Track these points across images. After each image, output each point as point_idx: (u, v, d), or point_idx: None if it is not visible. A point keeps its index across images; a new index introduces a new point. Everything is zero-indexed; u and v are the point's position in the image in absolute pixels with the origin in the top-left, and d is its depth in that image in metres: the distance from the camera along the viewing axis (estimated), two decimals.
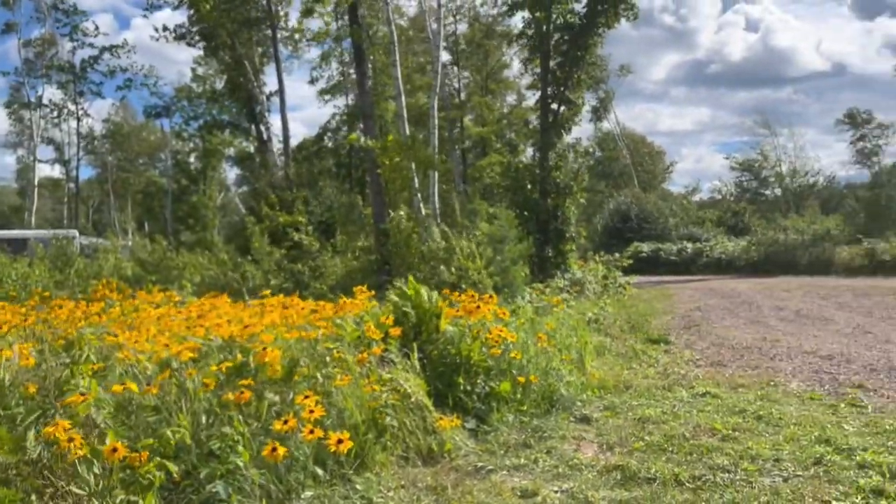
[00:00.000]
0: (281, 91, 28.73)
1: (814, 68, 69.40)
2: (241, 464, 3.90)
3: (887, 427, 5.47)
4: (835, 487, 4.26)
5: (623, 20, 19.45)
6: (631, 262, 22.42)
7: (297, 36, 31.91)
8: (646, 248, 31.55)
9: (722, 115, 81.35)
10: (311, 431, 3.94)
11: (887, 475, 4.40)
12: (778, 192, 46.54)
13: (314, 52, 44.68)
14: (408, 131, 18.53)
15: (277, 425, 3.97)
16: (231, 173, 45.19)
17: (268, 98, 31.33)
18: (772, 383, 7.36)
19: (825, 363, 8.33)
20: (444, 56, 34.87)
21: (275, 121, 31.40)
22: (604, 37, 20.15)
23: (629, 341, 10.37)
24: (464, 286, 11.09)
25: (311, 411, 4.04)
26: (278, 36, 29.65)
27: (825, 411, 6.11)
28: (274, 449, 3.83)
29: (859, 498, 4.08)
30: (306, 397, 4.19)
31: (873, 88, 70.41)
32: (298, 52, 34.95)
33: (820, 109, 72.73)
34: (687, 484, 4.41)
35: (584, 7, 19.21)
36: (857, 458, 4.72)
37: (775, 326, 11.70)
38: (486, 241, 13.32)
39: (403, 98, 18.44)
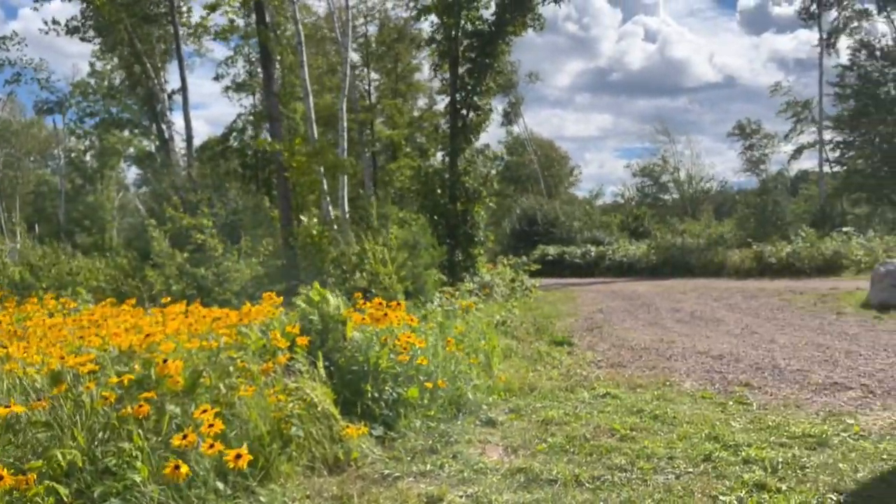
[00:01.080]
0: (184, 89, 27.84)
1: (707, 80, 73.01)
2: (138, 480, 3.78)
3: (770, 423, 5.84)
4: (722, 483, 4.51)
5: (530, 29, 19.87)
6: (539, 266, 22.90)
7: (200, 32, 30.98)
8: (552, 251, 32.29)
9: (624, 121, 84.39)
10: (211, 446, 3.86)
11: (769, 469, 4.70)
12: (676, 197, 48.62)
13: (220, 50, 43.51)
14: (316, 133, 18.34)
15: (177, 440, 3.87)
16: (130, 173, 43.47)
17: (170, 96, 30.30)
18: (667, 383, 7.70)
19: (716, 363, 8.79)
20: (354, 57, 34.66)
21: (177, 119, 30.44)
22: (511, 44, 20.55)
23: (535, 343, 10.61)
24: (374, 291, 11.08)
25: (211, 425, 3.96)
26: (181, 32, 28.69)
27: (715, 409, 6.45)
28: (177, 467, 3.72)
29: (743, 492, 4.34)
30: (204, 411, 4.10)
31: (760, 101, 74.76)
32: (202, 50, 33.94)
33: (713, 119, 76.54)
34: (587, 484, 4.57)
35: (492, 14, 19.54)
36: (743, 453, 5.02)
37: (672, 328, 12.23)
38: (399, 245, 13.34)
39: (311, 99, 18.24)
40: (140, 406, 4.13)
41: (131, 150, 35.62)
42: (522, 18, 19.57)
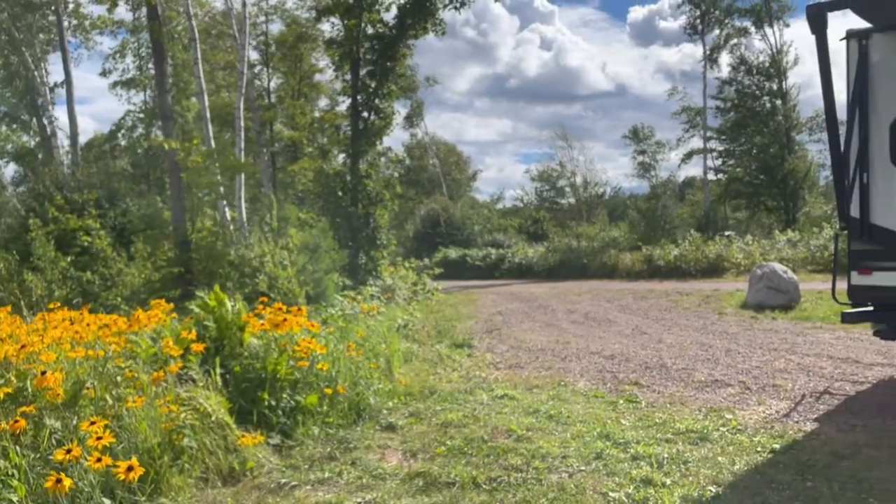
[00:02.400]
0: (68, 82, 26.41)
1: (599, 88, 75.58)
2: (15, 500, 3.56)
3: (657, 420, 6.11)
4: (612, 479, 4.69)
5: (431, 33, 19.99)
6: (441, 269, 23.06)
7: (87, 24, 29.44)
8: (453, 253, 32.63)
9: (522, 126, 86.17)
10: (99, 459, 3.68)
11: (655, 465, 4.92)
12: (572, 201, 50.04)
13: (109, 43, 41.46)
14: (211, 132, 17.80)
15: (59, 455, 3.67)
16: (8, 170, 40.76)
17: (52, 89, 28.68)
18: (562, 383, 7.93)
19: (608, 362, 9.12)
20: (253, 55, 33.84)
21: (61, 114, 28.78)
22: (413, 48, 20.63)
23: (436, 346, 10.69)
24: (274, 296, 10.85)
25: (99, 438, 3.78)
26: (65, 23, 27.20)
27: (607, 408, 6.69)
28: (58, 480, 3.52)
29: (631, 488, 4.52)
30: (93, 423, 3.91)
31: (650, 109, 78.15)
32: (89, 42, 32.24)
33: (606, 126, 79.33)
34: (484, 486, 4.65)
35: (394, 18, 19.54)
36: (632, 450, 5.23)
37: (567, 329, 12.59)
38: (299, 249, 13.11)
39: (206, 97, 17.67)
40: (16, 421, 3.89)
41: (10, 146, 33.40)
42: (423, 23, 19.66)
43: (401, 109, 43.50)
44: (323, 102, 39.87)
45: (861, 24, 7.09)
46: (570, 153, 48.69)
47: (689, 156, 42.54)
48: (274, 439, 5.43)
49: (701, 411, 6.45)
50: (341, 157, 21.37)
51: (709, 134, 39.52)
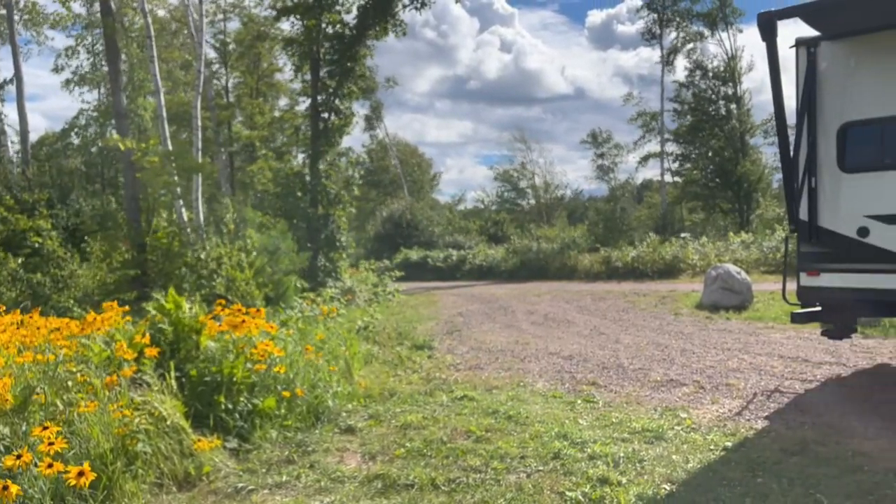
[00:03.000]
0: (18, 78, 25.71)
1: (559, 91, 76.19)
2: None
3: (613, 420, 6.20)
4: (569, 479, 4.75)
5: (391, 34, 19.96)
6: (402, 273, 23.03)
7: (41, 19, 28.74)
8: (414, 255, 32.61)
9: (483, 128, 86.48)
10: (50, 465, 3.60)
11: (611, 464, 5.00)
12: (533, 203, 50.40)
13: (61, 39, 40.52)
14: (168, 132, 17.51)
15: (9, 461, 3.59)
16: None
17: (1, 86, 27.90)
18: (521, 384, 7.99)
19: (567, 363, 9.22)
20: (211, 53, 33.40)
21: (10, 111, 28.03)
22: (373, 49, 20.57)
23: (396, 348, 10.69)
24: (231, 298, 10.73)
25: (51, 443, 3.70)
26: (15, 17, 26.50)
27: (565, 408, 6.77)
28: (5, 487, 3.44)
29: (588, 487, 4.59)
30: (45, 428, 3.83)
31: (608, 112, 79.05)
32: (40, 37, 31.45)
33: (566, 128, 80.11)
34: (443, 487, 4.67)
35: (354, 18, 19.45)
36: (589, 450, 5.30)
37: (527, 330, 12.69)
38: (259, 250, 12.97)
39: (163, 96, 17.38)
40: None
41: None
42: (384, 23, 19.62)
43: (360, 110, 43.48)
44: (282, 102, 39.56)
45: (810, 32, 7.30)
46: (530, 155, 49.14)
47: (645, 159, 43.24)
48: (231, 443, 5.38)
49: (656, 410, 6.57)
50: (300, 157, 21.22)
51: (666, 137, 40.21)
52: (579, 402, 7.01)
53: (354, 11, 19.50)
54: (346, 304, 14.65)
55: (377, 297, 17.81)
